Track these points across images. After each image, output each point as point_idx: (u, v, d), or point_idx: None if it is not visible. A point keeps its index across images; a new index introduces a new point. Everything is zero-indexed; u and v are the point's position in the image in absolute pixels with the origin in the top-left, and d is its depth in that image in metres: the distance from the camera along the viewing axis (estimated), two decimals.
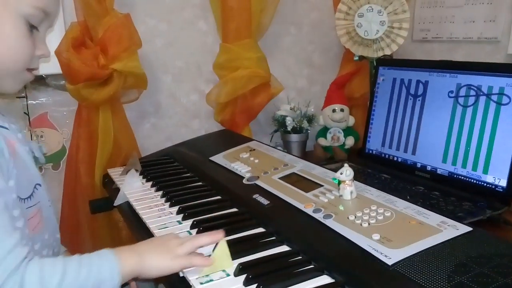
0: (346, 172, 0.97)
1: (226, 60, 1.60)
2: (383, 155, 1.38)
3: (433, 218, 0.85)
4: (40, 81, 1.48)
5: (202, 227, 0.97)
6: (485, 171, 1.10)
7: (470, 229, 0.80)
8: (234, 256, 0.84)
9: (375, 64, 1.50)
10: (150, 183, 1.28)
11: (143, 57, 1.48)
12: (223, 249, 0.82)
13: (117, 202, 1.22)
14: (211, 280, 0.78)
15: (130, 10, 1.46)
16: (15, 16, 0.71)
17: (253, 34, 1.61)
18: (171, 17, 1.62)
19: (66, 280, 0.68)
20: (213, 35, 1.66)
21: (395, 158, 1.34)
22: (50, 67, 1.39)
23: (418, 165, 1.26)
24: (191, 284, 0.79)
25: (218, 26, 1.61)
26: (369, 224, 0.86)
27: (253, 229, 0.97)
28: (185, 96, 1.70)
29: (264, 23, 1.64)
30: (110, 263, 0.74)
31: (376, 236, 0.81)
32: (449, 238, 0.78)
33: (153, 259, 0.78)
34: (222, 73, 1.63)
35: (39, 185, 0.82)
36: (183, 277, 0.81)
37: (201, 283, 0.78)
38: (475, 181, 1.12)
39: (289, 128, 1.68)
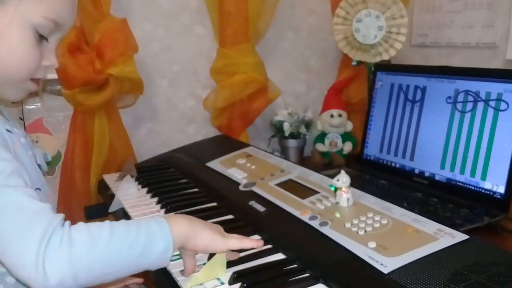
0: (343, 179, 0.97)
1: (223, 65, 1.60)
2: (381, 161, 1.37)
3: (429, 226, 0.84)
4: None
5: None
6: (483, 177, 1.09)
7: (466, 237, 0.79)
8: (229, 264, 0.84)
9: (373, 69, 1.49)
10: (146, 189, 1.27)
11: (139, 61, 1.47)
12: (221, 257, 0.81)
13: (112, 208, 1.21)
14: None
15: (126, 15, 1.46)
16: (23, 25, 0.70)
17: (251, 39, 1.60)
18: (168, 22, 1.61)
19: (116, 234, 0.67)
20: (210, 40, 1.65)
21: (393, 164, 1.33)
22: None
23: (416, 171, 1.25)
24: None
25: (215, 31, 1.61)
26: (365, 231, 0.85)
27: (249, 236, 0.96)
28: (181, 101, 1.69)
29: (262, 28, 1.63)
30: (158, 222, 0.72)
31: (372, 244, 0.80)
32: (446, 246, 0.77)
33: (204, 230, 0.77)
34: (219, 78, 1.62)
35: (39, 189, 0.80)
36: (177, 284, 0.80)
37: None
38: (473, 188, 1.11)
39: (286, 134, 1.67)
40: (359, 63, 1.59)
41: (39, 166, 0.85)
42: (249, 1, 1.55)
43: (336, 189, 0.97)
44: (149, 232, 0.70)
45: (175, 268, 0.84)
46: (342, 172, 0.98)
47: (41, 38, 0.73)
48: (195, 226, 0.77)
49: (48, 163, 0.90)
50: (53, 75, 1.38)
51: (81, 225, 0.67)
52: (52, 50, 0.76)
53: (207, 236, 0.77)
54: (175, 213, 0.83)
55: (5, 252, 0.63)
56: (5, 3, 0.69)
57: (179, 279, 0.81)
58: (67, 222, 0.66)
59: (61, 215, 0.66)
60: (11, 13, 0.69)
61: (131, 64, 1.42)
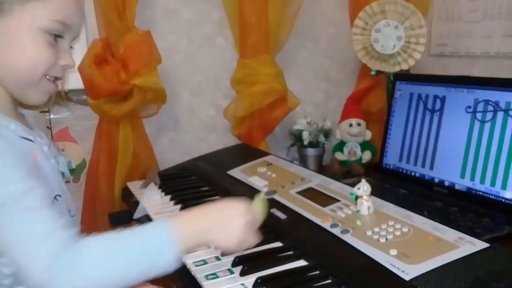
0: (364, 187, 0.98)
1: (243, 75, 1.63)
2: (400, 170, 1.38)
3: (450, 234, 0.85)
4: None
5: None
6: (504, 186, 1.09)
7: (487, 245, 0.80)
8: (252, 270, 0.85)
9: (392, 79, 1.51)
10: (169, 196, 1.29)
11: (162, 72, 1.51)
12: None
13: (136, 215, 1.24)
14: None
15: (150, 27, 1.50)
16: (34, 31, 0.73)
17: (271, 50, 1.63)
18: (190, 33, 1.65)
19: (124, 253, 0.70)
20: (231, 50, 1.69)
21: (413, 173, 1.33)
22: (73, 82, 1.41)
23: (436, 180, 1.26)
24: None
25: (236, 42, 1.64)
26: (386, 239, 0.86)
27: (271, 243, 0.98)
28: (202, 111, 1.73)
29: (282, 38, 1.65)
30: (169, 239, 0.72)
31: (394, 252, 0.81)
32: (466, 254, 0.78)
33: (215, 233, 0.76)
34: (240, 88, 1.65)
35: (59, 196, 0.83)
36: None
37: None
38: (493, 197, 1.11)
39: (305, 142, 1.68)
40: (378, 72, 1.61)
41: (62, 173, 0.87)
42: (269, 13, 1.58)
43: (357, 198, 0.99)
44: (158, 249, 0.71)
45: (197, 270, 0.87)
46: (363, 180, 0.99)
47: (56, 37, 0.76)
48: (206, 232, 0.76)
49: (71, 171, 0.92)
50: (79, 85, 1.42)
51: (90, 242, 0.69)
52: (67, 49, 0.79)
53: (220, 239, 0.77)
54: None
55: (22, 270, 0.67)
56: (11, 11, 0.72)
57: (199, 276, 0.85)
58: (78, 239, 0.69)
59: (73, 231, 0.69)
60: (18, 20, 0.72)
61: (154, 75, 1.45)
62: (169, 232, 0.72)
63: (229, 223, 0.77)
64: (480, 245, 0.80)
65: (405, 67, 1.55)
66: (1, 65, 0.74)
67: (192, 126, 1.72)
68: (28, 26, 0.73)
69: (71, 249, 0.67)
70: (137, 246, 0.71)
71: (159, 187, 1.36)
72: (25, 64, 0.74)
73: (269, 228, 1.04)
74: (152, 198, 1.28)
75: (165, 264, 0.71)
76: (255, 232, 0.80)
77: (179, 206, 1.22)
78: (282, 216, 1.06)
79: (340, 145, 1.68)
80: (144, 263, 0.71)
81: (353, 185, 1.02)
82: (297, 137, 1.72)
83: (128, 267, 0.70)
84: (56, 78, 0.79)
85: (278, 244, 0.97)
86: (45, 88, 0.78)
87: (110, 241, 0.71)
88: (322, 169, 1.68)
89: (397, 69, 1.55)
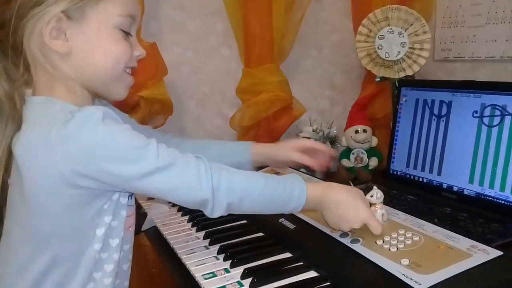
0: (377, 194, 0.96)
1: (249, 84, 1.64)
2: (408, 176, 1.37)
3: (462, 242, 0.84)
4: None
5: (229, 252, 0.98)
6: None
7: (500, 253, 0.79)
8: (262, 282, 0.85)
9: (397, 85, 1.51)
10: (177, 207, 1.29)
11: (169, 83, 1.52)
12: None
13: (144, 227, 1.24)
14: None
15: (156, 39, 1.51)
16: (110, 30, 0.78)
17: (275, 59, 1.64)
18: (196, 45, 1.66)
19: (266, 192, 0.84)
20: (236, 61, 1.70)
21: (421, 179, 1.33)
22: None
23: (444, 185, 1.25)
24: None
25: (241, 52, 1.65)
26: (397, 248, 0.86)
27: (280, 254, 0.97)
28: (209, 120, 1.74)
29: (286, 47, 1.67)
30: (299, 193, 0.86)
31: (405, 261, 0.81)
32: (480, 263, 0.77)
33: (333, 209, 0.90)
34: (245, 97, 1.66)
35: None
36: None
37: None
38: (503, 202, 1.11)
39: None
40: (383, 79, 1.61)
41: None
42: (273, 22, 1.59)
43: (369, 205, 0.98)
44: (292, 195, 0.86)
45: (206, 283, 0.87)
46: (375, 187, 0.97)
47: (126, 34, 0.80)
48: (325, 205, 0.90)
49: None
50: None
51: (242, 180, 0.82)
52: (136, 41, 0.84)
53: (333, 217, 0.91)
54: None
55: (193, 201, 0.79)
56: (85, 18, 0.76)
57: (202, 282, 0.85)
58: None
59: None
60: (96, 25, 0.77)
61: (161, 86, 1.47)
62: (304, 188, 0.86)
63: (347, 218, 0.90)
64: (493, 253, 0.79)
65: (409, 73, 1.55)
66: (87, 69, 0.79)
67: (199, 136, 1.72)
68: (105, 28, 0.78)
69: (220, 171, 0.80)
70: (281, 186, 0.85)
71: None
72: (109, 63, 0.79)
73: (278, 238, 1.04)
74: (159, 210, 1.28)
75: (288, 208, 0.88)
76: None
77: (186, 217, 1.22)
78: (290, 226, 1.05)
79: (347, 152, 1.68)
80: (280, 200, 0.85)
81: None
82: None
83: (267, 199, 0.84)
84: (132, 69, 0.85)
85: (287, 254, 0.97)
86: (126, 81, 0.84)
87: (256, 181, 0.84)
88: (329, 176, 1.68)
89: (401, 75, 1.56)
